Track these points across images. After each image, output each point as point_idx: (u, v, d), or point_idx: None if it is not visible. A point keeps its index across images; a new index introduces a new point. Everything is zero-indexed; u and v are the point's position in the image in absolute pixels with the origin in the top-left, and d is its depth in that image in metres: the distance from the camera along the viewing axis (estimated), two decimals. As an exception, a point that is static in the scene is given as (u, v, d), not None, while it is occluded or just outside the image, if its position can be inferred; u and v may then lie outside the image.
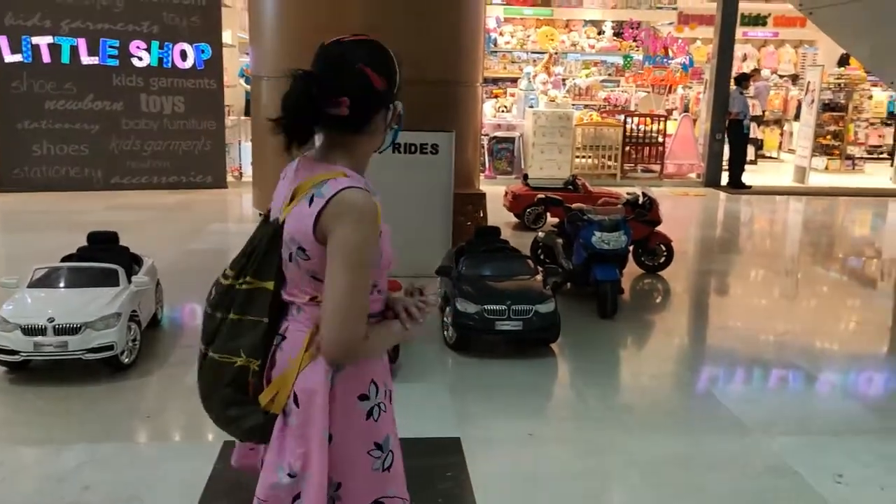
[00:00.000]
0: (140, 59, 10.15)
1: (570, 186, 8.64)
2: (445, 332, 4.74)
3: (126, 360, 4.19)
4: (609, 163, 12.38)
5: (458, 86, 7.78)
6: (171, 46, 10.26)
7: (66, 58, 9.88)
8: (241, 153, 11.39)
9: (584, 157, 12.45)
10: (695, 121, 13.16)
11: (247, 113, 11.72)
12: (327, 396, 1.73)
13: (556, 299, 4.67)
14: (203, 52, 10.42)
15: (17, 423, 3.65)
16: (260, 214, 8.45)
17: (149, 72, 10.21)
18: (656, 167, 12.55)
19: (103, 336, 4.00)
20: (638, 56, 13.87)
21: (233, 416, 1.82)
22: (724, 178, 12.21)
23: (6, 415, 3.75)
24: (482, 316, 4.49)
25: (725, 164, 12.29)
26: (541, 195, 7.14)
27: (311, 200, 1.71)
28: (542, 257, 6.40)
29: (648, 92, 13.69)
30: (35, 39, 9.74)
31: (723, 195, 11.72)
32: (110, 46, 10.02)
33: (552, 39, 14.56)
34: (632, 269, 6.56)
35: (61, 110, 9.96)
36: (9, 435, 3.54)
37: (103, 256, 4.60)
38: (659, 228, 6.64)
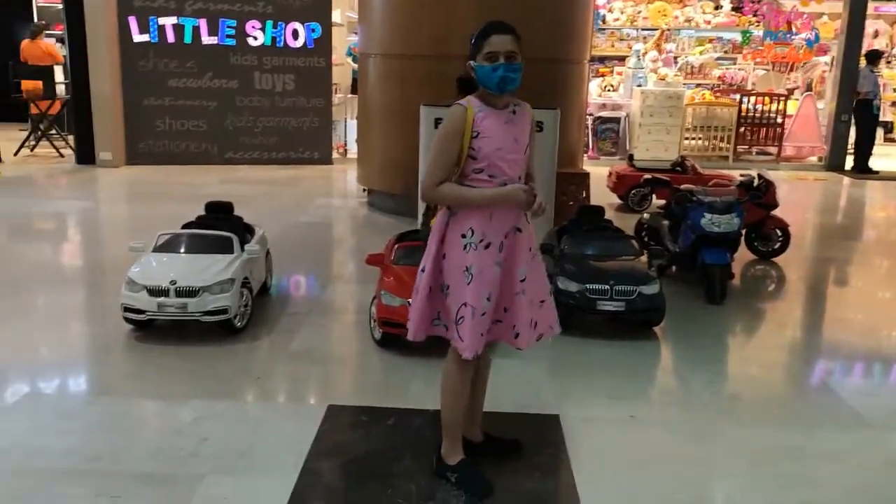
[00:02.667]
0: (255, 38, 10.51)
1: (679, 168, 8.37)
2: (547, 309, 4.70)
3: (238, 324, 4.38)
4: (721, 144, 11.91)
5: (564, 63, 7.66)
6: (283, 26, 10.56)
7: (188, 38, 10.35)
8: (347, 130, 11.65)
9: (694, 138, 12.03)
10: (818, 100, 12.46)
11: (353, 91, 11.94)
12: (443, 230, 2.77)
13: (661, 281, 4.56)
14: (314, 31, 10.68)
15: (142, 377, 3.89)
16: (364, 190, 8.64)
17: (263, 50, 10.57)
18: (773, 149, 11.99)
19: (218, 300, 4.20)
20: (758, 32, 13.18)
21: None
22: (849, 163, 11.54)
23: (132, 370, 4.00)
24: (584, 295, 4.43)
25: (851, 147, 11.60)
26: (647, 176, 6.95)
27: None
28: (646, 239, 6.24)
29: (768, 70, 13.04)
30: (161, 20, 10.23)
31: (846, 180, 11.09)
32: (228, 26, 10.42)
33: (665, 15, 14.04)
34: (744, 254, 6.33)
35: (183, 88, 10.45)
36: (133, 389, 3.78)
37: (219, 225, 4.83)
38: (775, 213, 6.37)
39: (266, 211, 7.31)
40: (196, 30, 10.35)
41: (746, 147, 12.11)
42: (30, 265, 5.86)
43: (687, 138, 11.95)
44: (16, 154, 10.70)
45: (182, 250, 4.56)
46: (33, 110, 10.98)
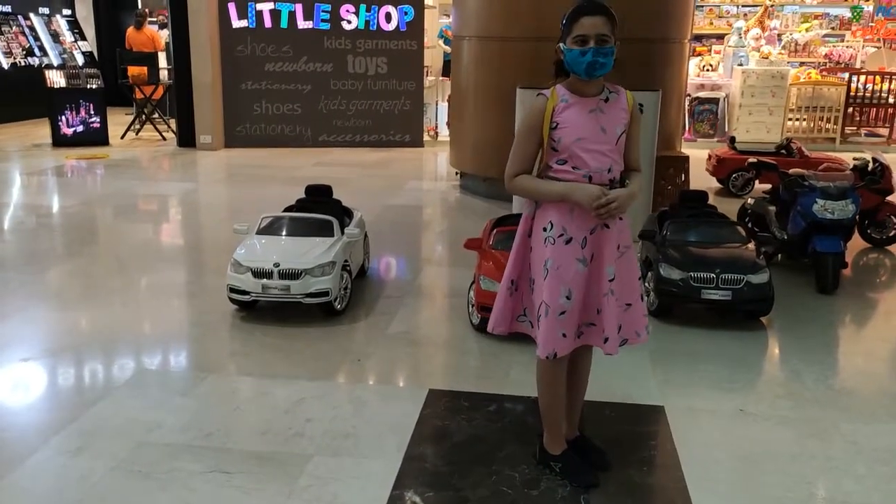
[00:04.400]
0: (349, 21, 10.63)
1: (784, 151, 7.99)
2: (647, 298, 4.59)
3: (339, 306, 4.45)
4: (828, 125, 11.33)
5: (664, 43, 7.42)
6: (377, 9, 10.64)
7: (284, 23, 10.55)
8: (438, 113, 11.66)
9: (798, 119, 11.49)
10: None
11: (444, 73, 11.93)
12: (529, 222, 2.71)
13: (770, 270, 4.36)
14: (406, 14, 10.72)
15: (247, 356, 4.00)
16: (457, 173, 8.63)
17: (356, 34, 10.68)
18: (884, 131, 11.32)
19: (320, 282, 4.28)
20: (868, 7, 12.45)
21: None
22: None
23: (238, 348, 4.12)
24: (687, 283, 4.29)
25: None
26: (752, 159, 6.66)
27: None
28: (750, 226, 6.00)
29: (879, 47, 12.30)
30: (259, 6, 10.47)
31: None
32: (323, 11, 10.57)
33: (768, -8, 13.45)
34: (856, 243, 6.01)
35: (279, 72, 10.68)
36: (239, 367, 3.90)
37: (319, 208, 4.91)
38: (891, 198, 6.01)
39: (360, 193, 7.40)
40: (292, 15, 10.54)
41: (855, 129, 11.48)
42: (135, 244, 6.12)
43: (790, 119, 11.42)
44: (122, 137, 11.20)
45: (284, 233, 4.65)
46: (138, 95, 11.46)
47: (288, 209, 4.99)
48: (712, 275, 4.26)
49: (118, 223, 7.02)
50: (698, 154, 8.88)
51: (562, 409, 2.86)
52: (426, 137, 11.24)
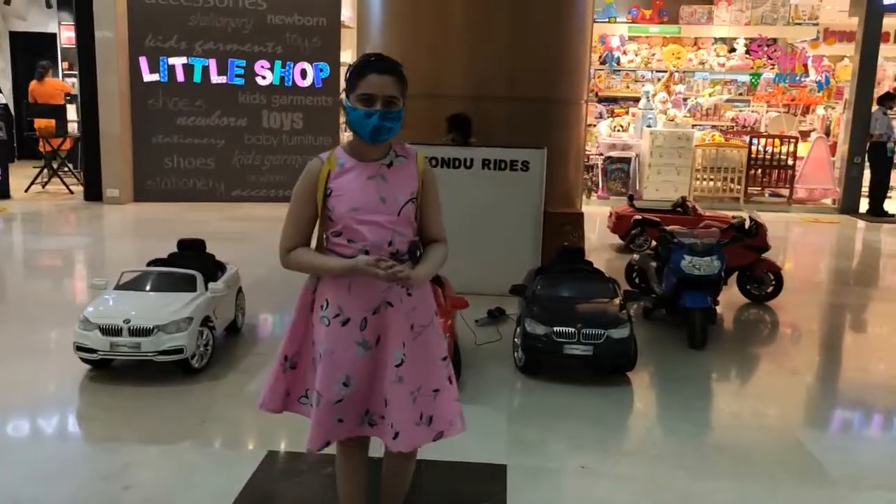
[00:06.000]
0: (264, 77, 10.65)
1: (679, 208, 8.22)
2: (515, 354, 4.57)
3: (196, 364, 4.30)
4: (732, 186, 11.72)
5: (558, 103, 7.58)
6: (292, 66, 10.70)
7: (197, 77, 10.51)
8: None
9: (704, 179, 11.86)
10: (834, 144, 12.25)
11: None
12: (309, 295, 2.45)
13: (631, 324, 4.39)
14: (322, 70, 10.81)
15: (88, 418, 3.82)
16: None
17: (271, 90, 10.70)
18: (785, 191, 11.76)
19: (174, 339, 4.13)
20: (769, 74, 13.06)
21: None
22: (863, 206, 11.27)
23: (77, 410, 3.93)
24: (550, 338, 4.28)
25: (865, 190, 11.34)
26: (637, 216, 6.80)
27: None
28: (637, 281, 6.10)
29: (781, 112, 12.87)
30: (171, 60, 10.41)
31: (861, 223, 10.81)
32: (237, 66, 10.58)
33: (679, 58, 13.97)
34: (737, 298, 6.14)
35: (191, 126, 10.59)
36: (75, 432, 3.71)
37: (188, 263, 4.78)
38: (769, 256, 6.18)
39: (263, 248, 7.26)
40: (206, 69, 10.51)
41: (759, 189, 11.90)
42: (11, 299, 5.86)
43: (697, 179, 11.78)
44: (26, 190, 10.89)
45: (145, 288, 4.51)
46: (45, 148, 11.20)
47: (153, 263, 4.85)
48: (574, 329, 4.26)
49: (-2, 278, 6.74)
50: (605, 212, 9.05)
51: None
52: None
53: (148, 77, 10.38)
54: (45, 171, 11.24)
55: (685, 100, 12.94)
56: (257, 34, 10.56)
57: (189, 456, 3.43)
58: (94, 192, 10.33)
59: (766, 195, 11.96)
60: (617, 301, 4.62)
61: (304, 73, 10.79)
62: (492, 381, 4.39)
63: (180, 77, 10.47)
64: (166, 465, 3.32)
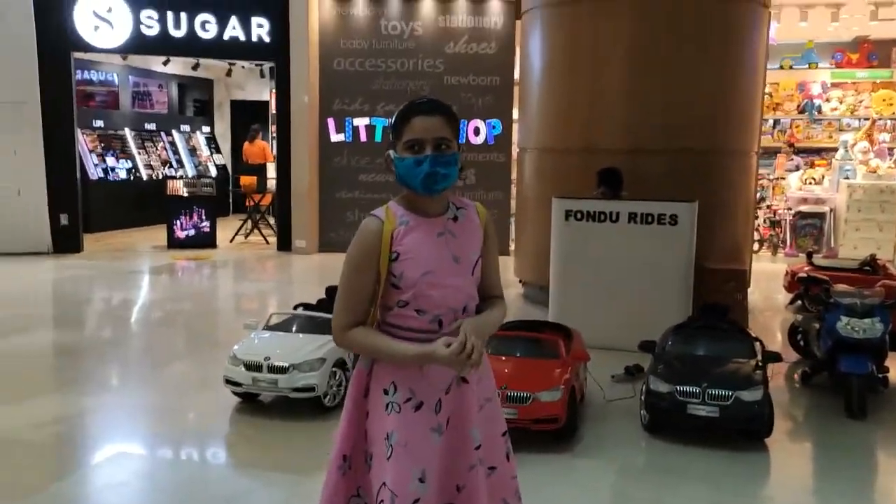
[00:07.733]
0: (440, 135, 11.16)
1: (868, 267, 7.46)
2: (641, 412, 4.39)
3: (329, 402, 4.57)
4: (945, 243, 10.44)
5: (723, 155, 7.27)
6: (465, 123, 11.14)
7: (378, 136, 11.26)
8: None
9: (914, 235, 10.68)
10: None
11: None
12: (365, 379, 2.10)
13: (766, 386, 4.07)
14: (494, 127, 11.16)
15: (229, 444, 4.19)
16: (520, 282, 8.53)
17: (445, 147, 11.16)
18: None
19: (307, 378, 4.44)
20: None
21: None
22: None
23: (231, 438, 4.34)
24: (673, 397, 4.08)
25: None
26: (802, 274, 6.29)
27: None
28: (801, 343, 5.64)
29: None
30: (356, 121, 11.27)
31: None
32: (415, 126, 11.19)
33: (891, 104, 12.81)
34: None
35: (371, 182, 11.32)
36: (215, 455, 4.08)
37: (330, 308, 5.11)
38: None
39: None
40: (386, 130, 11.25)
41: (982, 246, 10.50)
42: (190, 336, 6.57)
43: (906, 235, 10.64)
44: (231, 241, 12.14)
45: (290, 329, 4.90)
46: (248, 202, 12.47)
47: (300, 307, 5.24)
48: (699, 389, 4.03)
49: (185, 318, 7.58)
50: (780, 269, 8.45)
51: None
52: (511, 247, 11.38)
53: (335, 137, 11.28)
54: (248, 223, 12.49)
55: (891, 150, 11.80)
56: (434, 94, 11.01)
57: (309, 484, 3.65)
58: (284, 243, 11.32)
59: None
60: (753, 361, 4.31)
61: (476, 131, 11.19)
62: (612, 436, 4.25)
63: (363, 137, 11.28)
64: (287, 494, 3.56)
